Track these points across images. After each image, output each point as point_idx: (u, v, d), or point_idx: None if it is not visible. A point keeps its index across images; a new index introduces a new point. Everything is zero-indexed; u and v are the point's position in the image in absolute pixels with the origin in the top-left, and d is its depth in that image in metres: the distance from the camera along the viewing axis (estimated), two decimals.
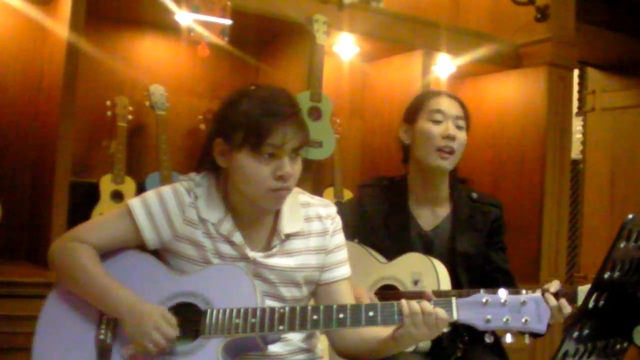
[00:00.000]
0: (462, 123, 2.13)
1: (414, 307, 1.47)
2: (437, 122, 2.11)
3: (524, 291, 1.51)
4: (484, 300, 1.47)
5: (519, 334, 1.49)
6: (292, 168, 1.58)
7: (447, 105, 2.14)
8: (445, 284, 1.99)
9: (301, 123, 1.59)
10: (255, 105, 1.56)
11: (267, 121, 1.53)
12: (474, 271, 2.11)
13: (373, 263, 2.11)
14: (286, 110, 1.56)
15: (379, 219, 2.16)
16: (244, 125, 1.54)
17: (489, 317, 1.46)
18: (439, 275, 1.98)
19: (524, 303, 1.46)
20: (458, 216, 2.14)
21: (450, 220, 2.15)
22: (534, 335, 1.75)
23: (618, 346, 1.49)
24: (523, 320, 1.45)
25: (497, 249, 2.16)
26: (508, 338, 1.46)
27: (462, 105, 2.19)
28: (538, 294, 1.49)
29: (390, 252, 2.11)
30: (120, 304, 1.53)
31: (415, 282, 2.00)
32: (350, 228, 2.12)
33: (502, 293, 1.47)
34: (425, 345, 1.94)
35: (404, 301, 1.49)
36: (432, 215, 2.16)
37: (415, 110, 2.18)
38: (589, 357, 1.43)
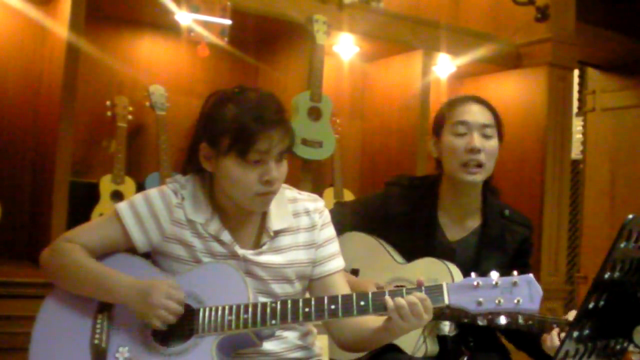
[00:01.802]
0: (490, 132, 1.99)
1: (399, 300, 1.48)
2: (461, 135, 1.97)
3: (515, 272, 1.48)
4: (475, 283, 1.46)
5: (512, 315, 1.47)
6: (278, 172, 1.58)
7: (471, 114, 1.99)
8: None
9: (287, 127, 1.58)
10: (241, 111, 1.54)
11: (254, 128, 1.52)
12: None
13: (390, 262, 2.07)
14: (273, 116, 1.55)
15: (404, 220, 2.07)
16: (231, 132, 1.53)
17: (480, 299, 1.45)
18: (455, 281, 1.92)
19: (515, 284, 1.45)
20: (487, 232, 2.05)
21: (478, 234, 2.06)
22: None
23: (618, 346, 1.49)
24: (515, 300, 1.44)
25: (521, 272, 2.10)
26: (502, 320, 1.46)
27: (491, 110, 2.04)
28: (530, 275, 1.47)
29: (409, 255, 2.05)
30: (122, 286, 1.53)
31: None
32: (371, 223, 2.10)
33: (494, 275, 1.46)
34: (432, 350, 1.91)
35: (387, 297, 1.49)
36: (460, 226, 2.07)
37: (439, 121, 2.05)
38: (589, 357, 1.43)
